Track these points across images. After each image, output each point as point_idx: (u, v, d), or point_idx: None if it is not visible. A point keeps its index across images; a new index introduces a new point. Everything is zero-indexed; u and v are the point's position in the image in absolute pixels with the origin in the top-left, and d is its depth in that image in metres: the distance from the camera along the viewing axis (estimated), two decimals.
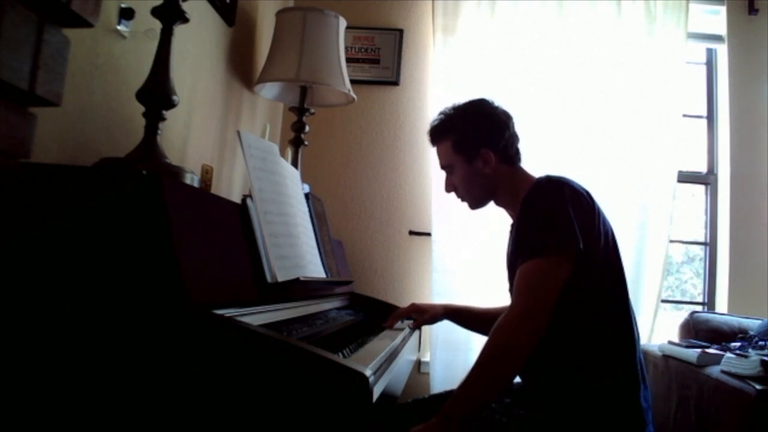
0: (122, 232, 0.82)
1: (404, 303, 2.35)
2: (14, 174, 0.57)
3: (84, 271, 0.81)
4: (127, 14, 1.26)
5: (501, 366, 1.19)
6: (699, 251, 2.83)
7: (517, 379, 1.42)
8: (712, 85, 2.82)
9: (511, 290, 1.40)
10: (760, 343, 1.82)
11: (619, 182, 2.52)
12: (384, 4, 2.74)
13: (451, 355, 2.42)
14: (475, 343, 2.35)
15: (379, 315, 1.83)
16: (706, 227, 2.76)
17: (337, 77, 2.02)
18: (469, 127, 1.46)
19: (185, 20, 1.15)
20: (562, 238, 1.23)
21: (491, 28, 2.60)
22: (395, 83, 2.69)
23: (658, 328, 2.47)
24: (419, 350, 2.13)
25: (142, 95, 1.13)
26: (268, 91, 2.18)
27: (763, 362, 1.57)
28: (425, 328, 2.25)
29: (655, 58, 2.57)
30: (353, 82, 2.17)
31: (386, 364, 1.12)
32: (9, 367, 0.80)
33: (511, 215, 1.49)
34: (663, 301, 2.58)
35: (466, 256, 2.49)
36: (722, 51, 2.74)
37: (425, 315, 1.72)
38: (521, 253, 1.26)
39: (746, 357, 1.64)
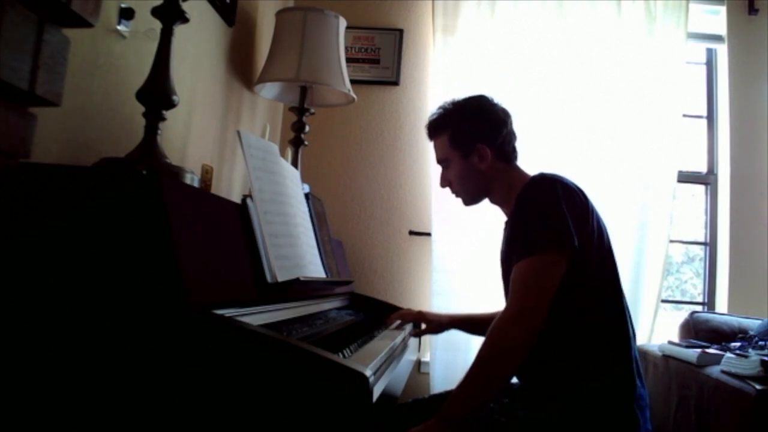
0: (122, 232, 0.82)
1: (404, 303, 2.37)
2: (14, 174, 0.57)
3: (84, 271, 0.81)
4: (127, 14, 1.26)
5: (498, 365, 1.19)
6: (699, 251, 2.83)
7: (515, 380, 1.42)
8: (712, 85, 2.82)
9: (505, 288, 1.40)
10: (760, 343, 1.82)
11: (619, 182, 2.52)
12: (384, 4, 2.74)
13: (451, 355, 2.41)
14: (475, 343, 2.34)
15: (379, 315, 1.83)
16: (706, 227, 2.76)
17: (337, 77, 2.02)
18: (466, 123, 1.47)
19: (185, 20, 1.15)
20: (557, 235, 1.23)
21: (491, 28, 2.60)
22: (395, 83, 2.69)
23: (658, 328, 2.47)
24: (419, 350, 2.13)
25: (142, 95, 1.13)
26: (268, 91, 2.18)
27: (763, 362, 1.57)
28: None
29: (655, 58, 2.57)
30: (353, 82, 2.17)
31: (386, 364, 1.12)
32: (9, 367, 0.80)
33: (506, 213, 1.49)
34: (663, 301, 2.58)
35: (466, 256, 2.49)
36: (722, 51, 2.74)
37: (431, 325, 1.72)
38: (516, 252, 1.26)
39: (746, 357, 1.64)
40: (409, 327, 1.75)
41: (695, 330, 2.23)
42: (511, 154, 1.48)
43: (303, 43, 1.98)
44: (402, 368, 1.42)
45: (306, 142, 2.11)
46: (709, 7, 2.77)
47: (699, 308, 2.70)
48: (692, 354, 1.87)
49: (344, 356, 1.02)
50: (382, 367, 1.07)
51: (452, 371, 2.40)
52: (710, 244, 2.74)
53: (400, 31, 2.71)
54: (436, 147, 1.53)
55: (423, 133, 1.59)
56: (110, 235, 0.82)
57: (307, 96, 2.08)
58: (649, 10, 2.60)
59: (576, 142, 2.54)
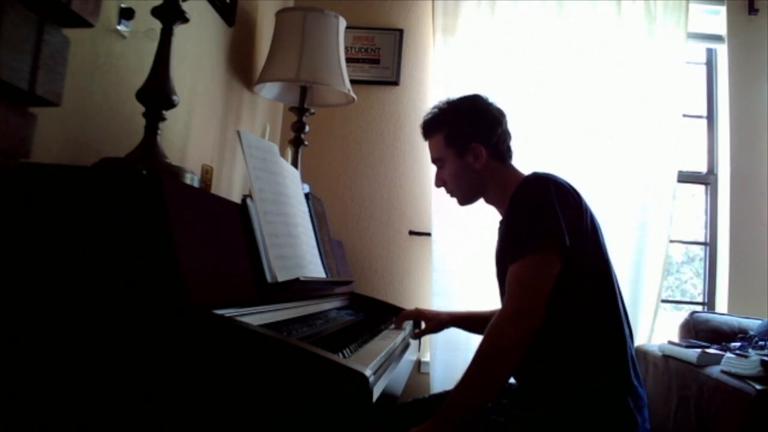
0: (122, 232, 0.82)
1: (404, 303, 2.37)
2: (14, 174, 0.57)
3: (84, 271, 0.81)
4: (127, 14, 1.26)
5: (496, 365, 1.19)
6: (699, 251, 2.83)
7: (513, 381, 1.42)
8: (712, 85, 2.82)
9: (501, 288, 1.40)
10: (760, 343, 1.82)
11: (619, 182, 2.52)
12: (384, 4, 2.74)
13: (451, 355, 2.42)
14: (476, 343, 2.33)
15: (379, 315, 1.83)
16: (706, 227, 2.76)
17: (337, 77, 2.02)
18: (461, 122, 1.46)
19: (185, 20, 1.15)
20: (551, 235, 1.23)
21: (491, 28, 2.60)
22: (395, 83, 2.69)
23: (658, 328, 2.47)
24: (419, 350, 2.13)
25: (142, 95, 1.13)
26: (268, 91, 2.18)
27: (763, 362, 1.57)
28: None
29: (655, 58, 2.57)
30: (353, 82, 2.17)
31: (386, 364, 1.12)
32: (9, 367, 0.80)
33: (500, 212, 1.49)
34: (663, 301, 2.58)
35: (466, 256, 2.49)
36: (722, 51, 2.74)
37: (429, 324, 1.72)
38: (510, 253, 1.26)
39: (746, 357, 1.64)
40: (408, 327, 1.75)
41: (695, 330, 2.23)
42: (506, 153, 1.48)
43: (303, 43, 1.98)
44: (402, 368, 1.42)
45: (306, 142, 2.11)
46: (709, 7, 2.77)
47: (699, 308, 2.70)
48: (692, 354, 1.87)
49: (344, 356, 1.02)
50: (382, 367, 1.07)
51: (452, 371, 2.39)
52: (710, 244, 2.74)
53: (400, 31, 2.71)
54: (430, 146, 1.53)
55: None
56: (110, 235, 0.82)
57: (307, 96, 2.08)
58: (649, 10, 2.60)
59: (576, 142, 2.54)
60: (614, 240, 2.31)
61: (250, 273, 1.09)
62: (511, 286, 1.23)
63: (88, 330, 0.80)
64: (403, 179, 2.66)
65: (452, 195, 1.53)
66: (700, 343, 2.02)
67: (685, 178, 2.73)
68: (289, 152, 2.06)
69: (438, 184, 1.54)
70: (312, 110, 2.12)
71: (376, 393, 0.89)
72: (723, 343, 1.98)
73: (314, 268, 1.42)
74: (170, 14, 1.13)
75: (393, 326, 1.68)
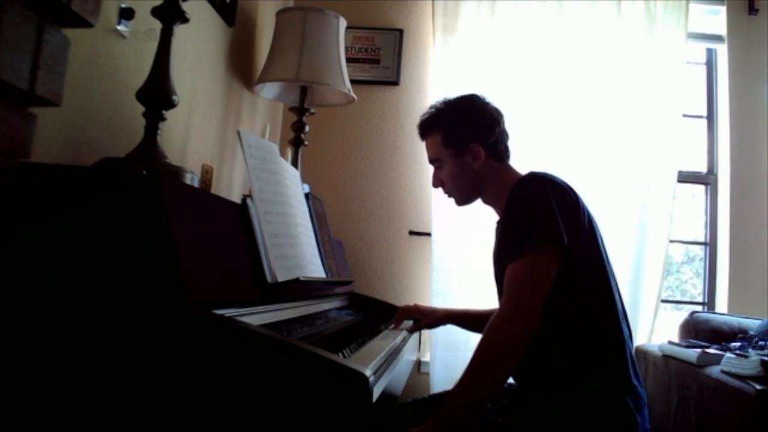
0: (122, 232, 0.82)
1: (404, 303, 2.36)
2: (14, 174, 0.57)
3: (84, 271, 0.81)
4: (127, 14, 1.26)
5: (495, 365, 1.19)
6: (699, 251, 2.83)
7: (513, 381, 1.42)
8: (712, 85, 2.82)
9: (498, 288, 1.40)
10: (760, 343, 1.82)
11: (619, 182, 2.52)
12: (384, 4, 2.74)
13: (451, 355, 2.42)
14: (475, 342, 2.34)
15: (379, 315, 1.83)
16: (706, 227, 2.76)
17: (337, 77, 2.02)
18: (459, 122, 1.46)
19: (185, 20, 1.15)
20: (548, 234, 1.22)
21: (491, 28, 2.60)
22: (395, 83, 2.69)
23: (658, 328, 2.47)
24: (419, 350, 2.13)
25: (142, 95, 1.13)
26: (268, 91, 2.18)
27: (763, 362, 1.57)
28: None
29: (655, 58, 2.57)
30: (353, 82, 2.17)
31: (386, 364, 1.12)
32: (9, 367, 0.80)
33: (498, 212, 1.48)
34: (663, 301, 2.58)
35: (466, 256, 2.49)
36: (722, 51, 2.74)
37: (425, 319, 1.72)
38: (508, 252, 1.26)
39: (746, 357, 1.64)
40: (407, 325, 1.74)
41: (695, 330, 2.23)
42: (503, 153, 1.48)
43: (303, 43, 1.98)
44: (402, 368, 1.42)
45: (306, 142, 2.11)
46: (709, 7, 2.77)
47: (699, 308, 2.70)
48: (692, 354, 1.87)
49: (344, 356, 1.02)
50: (382, 367, 1.07)
51: (452, 371, 2.39)
52: (710, 244, 2.74)
53: (400, 31, 2.71)
54: (428, 147, 1.52)
55: None
56: (110, 235, 0.82)
57: (307, 96, 2.08)
58: (649, 10, 2.60)
59: (576, 142, 2.54)
60: (614, 240, 2.31)
61: (250, 273, 1.09)
62: (509, 285, 1.23)
63: (88, 330, 0.80)
64: (403, 179, 2.66)
65: (450, 195, 1.53)
66: (700, 343, 2.02)
67: (685, 178, 2.73)
68: (289, 152, 2.06)
69: (435, 184, 1.53)
70: (312, 110, 2.12)
71: (376, 393, 0.89)
72: (723, 343, 1.98)
73: (314, 268, 1.42)
74: (170, 14, 1.13)
75: (392, 326, 1.68)
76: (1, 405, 0.79)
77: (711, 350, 1.87)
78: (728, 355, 1.74)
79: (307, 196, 1.58)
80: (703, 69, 2.84)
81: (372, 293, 2.34)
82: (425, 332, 2.39)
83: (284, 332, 1.04)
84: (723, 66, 2.73)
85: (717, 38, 2.75)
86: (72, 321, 0.81)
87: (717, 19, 2.77)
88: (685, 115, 2.65)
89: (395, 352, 1.29)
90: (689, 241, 2.85)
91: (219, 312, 0.86)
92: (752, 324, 2.17)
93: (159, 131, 1.13)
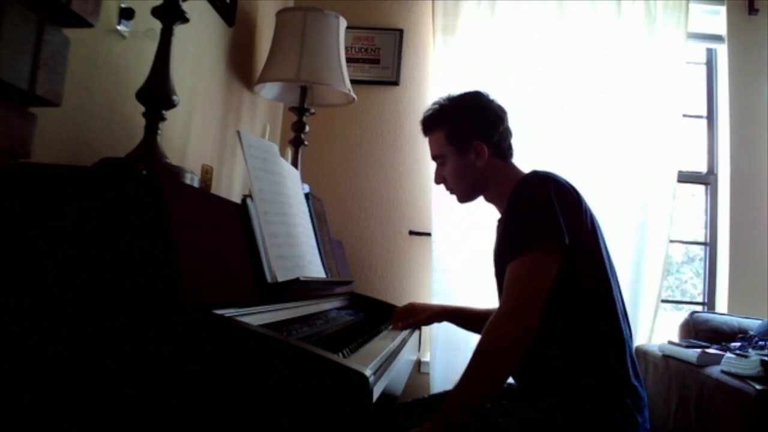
0: (122, 232, 0.82)
1: (404, 303, 2.36)
2: (14, 174, 0.57)
3: (84, 271, 0.81)
4: (127, 14, 1.26)
5: (495, 364, 1.18)
6: (699, 251, 2.83)
7: (513, 381, 1.42)
8: (712, 85, 2.82)
9: (499, 287, 1.40)
10: (760, 343, 1.82)
11: (619, 182, 2.52)
12: (384, 4, 2.74)
13: (451, 355, 2.41)
14: (476, 342, 2.35)
15: (379, 315, 1.83)
16: (706, 227, 2.76)
17: (337, 77, 2.02)
18: (463, 119, 1.45)
19: (185, 20, 1.15)
20: (549, 234, 1.22)
21: (491, 28, 2.60)
22: (395, 83, 2.69)
23: (658, 328, 2.47)
24: (419, 350, 2.13)
25: (142, 95, 1.13)
26: (268, 91, 2.18)
27: (763, 362, 1.57)
28: (425, 328, 2.25)
29: (655, 58, 2.57)
30: (353, 82, 2.17)
31: (386, 364, 1.12)
32: (9, 367, 0.80)
33: (500, 211, 1.48)
34: (663, 301, 2.58)
35: (466, 256, 2.49)
36: (722, 51, 2.74)
37: (420, 315, 1.71)
38: (509, 251, 1.26)
39: (746, 357, 1.64)
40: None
41: (695, 330, 2.23)
42: (507, 151, 1.47)
43: (303, 43, 1.98)
44: (402, 368, 1.42)
45: (306, 142, 2.11)
46: (709, 7, 2.77)
47: (699, 308, 2.70)
48: (692, 354, 1.87)
49: (344, 356, 1.02)
50: (382, 367, 1.07)
51: (452, 371, 2.39)
52: (710, 244, 2.74)
53: (400, 31, 2.71)
54: (431, 143, 1.52)
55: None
56: (110, 235, 0.82)
57: (307, 96, 2.08)
58: (649, 10, 2.60)
59: (576, 142, 2.54)
60: (614, 240, 2.31)
61: (250, 273, 1.09)
62: (509, 284, 1.23)
63: (88, 330, 0.80)
64: (403, 179, 2.66)
65: (452, 192, 1.52)
66: (700, 343, 2.02)
67: (685, 178, 2.73)
68: (289, 152, 2.06)
69: (438, 180, 1.53)
70: (312, 110, 2.12)
71: (376, 393, 0.89)
72: (723, 343, 1.98)
73: (314, 268, 1.42)
74: (170, 14, 1.13)
75: (392, 326, 1.68)
76: (2, 405, 0.79)
77: (711, 350, 1.87)
78: (728, 355, 1.74)
79: (307, 196, 1.58)
80: (703, 69, 2.84)
81: (372, 293, 2.34)
82: (425, 332, 2.39)
83: (284, 332, 1.04)
84: (723, 66, 2.73)
85: (717, 38, 2.75)
86: (72, 321, 0.81)
87: (717, 19, 2.76)
88: (685, 115, 2.65)
89: (395, 352, 1.29)
90: (689, 241, 2.85)
91: (219, 312, 0.86)
92: (752, 324, 2.17)
93: (159, 131, 1.13)
